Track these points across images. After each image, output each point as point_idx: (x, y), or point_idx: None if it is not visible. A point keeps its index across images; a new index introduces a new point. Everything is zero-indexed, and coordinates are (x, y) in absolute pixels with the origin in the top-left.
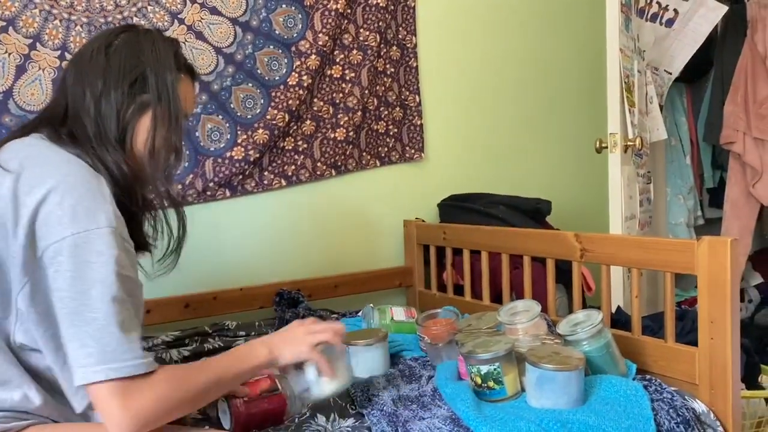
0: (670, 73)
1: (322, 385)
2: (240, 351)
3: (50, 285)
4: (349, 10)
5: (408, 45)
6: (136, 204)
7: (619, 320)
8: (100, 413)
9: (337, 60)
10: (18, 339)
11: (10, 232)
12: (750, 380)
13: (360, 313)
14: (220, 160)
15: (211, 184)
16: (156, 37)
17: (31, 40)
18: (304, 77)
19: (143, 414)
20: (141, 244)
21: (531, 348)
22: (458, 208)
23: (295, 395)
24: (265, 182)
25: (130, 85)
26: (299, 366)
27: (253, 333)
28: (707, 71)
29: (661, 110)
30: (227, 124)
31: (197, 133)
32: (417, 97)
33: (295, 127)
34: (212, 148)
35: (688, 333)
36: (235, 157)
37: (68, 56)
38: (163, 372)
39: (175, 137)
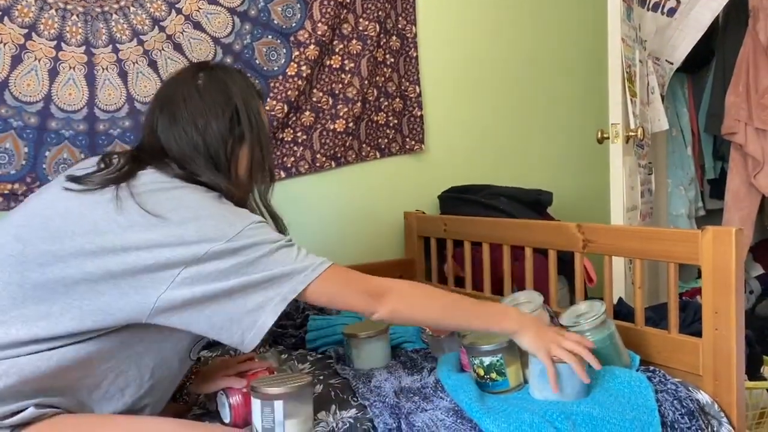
0: (672, 63)
1: (287, 428)
2: (493, 308)
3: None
4: (348, 0)
5: (408, 35)
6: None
7: (621, 311)
8: (350, 306)
9: (337, 50)
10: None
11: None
12: (752, 371)
13: None
14: None
15: None
16: (233, 72)
17: (26, 30)
18: (303, 67)
19: (393, 298)
20: None
21: None
22: (459, 199)
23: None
24: None
25: (230, 120)
26: (268, 398)
27: None
28: (709, 61)
29: (662, 100)
30: None
31: None
32: (417, 87)
33: (294, 119)
34: None
35: (690, 324)
36: None
37: (64, 46)
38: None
39: (269, 160)
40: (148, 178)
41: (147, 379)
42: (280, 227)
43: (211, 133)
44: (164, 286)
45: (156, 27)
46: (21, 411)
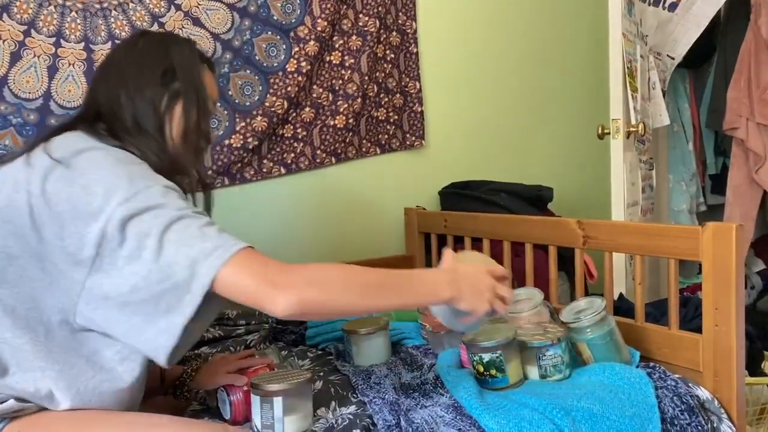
0: (673, 58)
1: (286, 425)
2: (424, 277)
3: (132, 240)
4: None
5: (408, 30)
6: (181, 185)
7: (622, 308)
8: (249, 299)
9: (337, 46)
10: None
11: (67, 214)
12: (753, 367)
13: None
14: (218, 148)
15: (209, 172)
16: (176, 37)
17: (25, 27)
18: (303, 63)
19: (300, 284)
20: None
21: None
22: (459, 195)
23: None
24: (264, 170)
25: (162, 77)
26: (268, 395)
27: (253, 322)
28: (710, 56)
29: (663, 96)
30: (225, 112)
31: None
32: (417, 83)
33: (294, 115)
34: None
35: (690, 320)
36: (234, 145)
37: (63, 43)
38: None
39: (204, 123)
40: (63, 140)
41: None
42: (209, 202)
43: (142, 91)
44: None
45: (155, 23)
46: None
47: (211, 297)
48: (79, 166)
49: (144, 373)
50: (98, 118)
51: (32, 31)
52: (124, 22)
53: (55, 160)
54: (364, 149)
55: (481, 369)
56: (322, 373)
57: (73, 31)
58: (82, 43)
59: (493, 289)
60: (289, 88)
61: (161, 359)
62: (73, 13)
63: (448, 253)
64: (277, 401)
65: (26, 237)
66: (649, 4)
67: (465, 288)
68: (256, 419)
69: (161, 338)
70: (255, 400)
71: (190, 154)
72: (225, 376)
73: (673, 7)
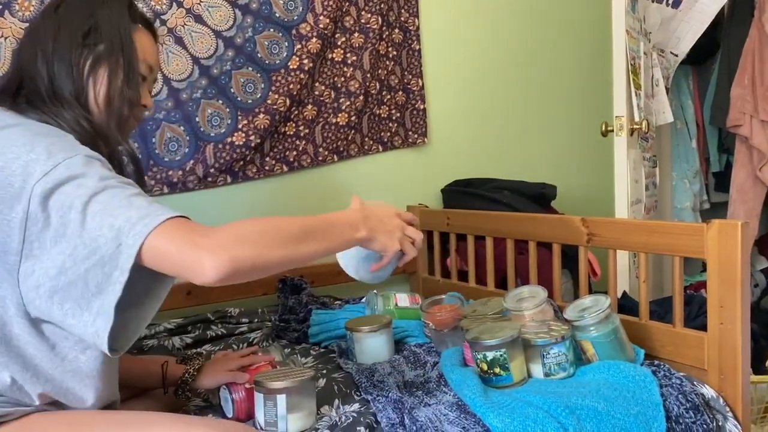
0: (676, 55)
1: (289, 422)
2: (340, 217)
3: (55, 217)
4: None
5: (410, 27)
6: (105, 153)
7: (626, 305)
8: (178, 268)
9: (339, 43)
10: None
11: None
12: (757, 365)
13: (363, 300)
14: (220, 146)
15: (212, 170)
16: None
17: (27, 24)
18: (305, 61)
19: (227, 242)
20: None
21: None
22: (462, 193)
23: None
24: (267, 168)
25: (83, 37)
26: (271, 393)
27: (256, 320)
28: (714, 53)
29: (667, 93)
30: (227, 109)
31: (197, 119)
32: (420, 80)
33: (296, 112)
34: (213, 134)
35: (695, 318)
36: (236, 143)
37: None
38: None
39: (130, 88)
40: None
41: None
42: (140, 173)
43: (58, 55)
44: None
45: (157, 20)
46: None
47: (152, 272)
48: None
49: (113, 358)
50: (20, 89)
51: (6, 12)
52: None
53: None
54: (366, 147)
55: (485, 367)
56: (325, 371)
57: None
58: None
59: (403, 230)
60: (291, 86)
61: (103, 346)
62: None
63: (356, 197)
64: (281, 399)
65: None
66: (653, 1)
67: (377, 226)
68: (260, 417)
69: (98, 322)
70: (258, 397)
71: (113, 122)
72: (227, 374)
73: (676, 4)
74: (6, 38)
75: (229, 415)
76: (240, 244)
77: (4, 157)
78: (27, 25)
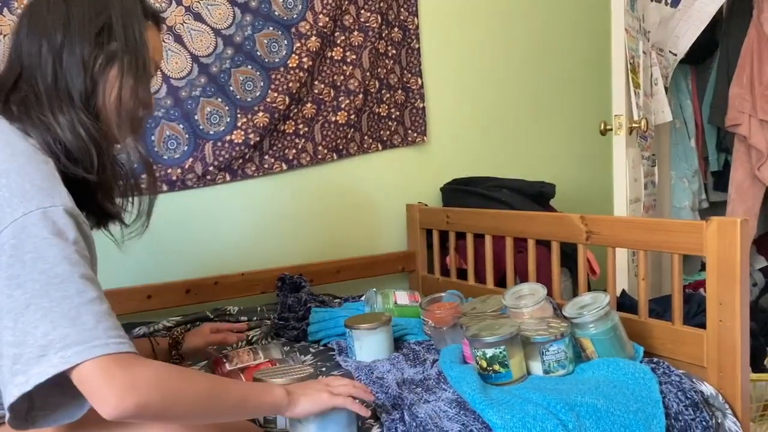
0: (675, 54)
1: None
2: (258, 385)
3: (6, 272)
4: None
5: (410, 26)
6: (103, 169)
7: (624, 303)
8: (87, 395)
9: (338, 42)
10: None
11: None
12: (756, 363)
13: (363, 298)
14: (219, 144)
15: (210, 168)
16: None
17: None
18: (305, 59)
19: (141, 385)
20: (112, 213)
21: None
22: (461, 191)
23: None
24: (266, 166)
25: (97, 35)
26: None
27: (255, 318)
28: (712, 52)
29: (665, 92)
30: (227, 107)
31: (196, 117)
32: (419, 79)
33: (295, 110)
34: (212, 132)
35: (694, 316)
36: (235, 141)
37: None
38: (159, 362)
39: (143, 88)
40: None
41: None
42: (152, 178)
43: (69, 51)
44: None
45: None
46: None
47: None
48: None
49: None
50: (17, 83)
51: (5, 9)
52: None
53: None
54: (365, 145)
55: (485, 364)
56: (324, 369)
57: None
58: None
59: (327, 385)
60: (290, 84)
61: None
62: None
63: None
64: None
65: None
66: (652, 0)
67: (297, 392)
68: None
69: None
70: None
71: (125, 125)
72: (215, 335)
73: (675, 3)
74: (5, 36)
75: None
76: (152, 391)
77: None
78: (25, 6)
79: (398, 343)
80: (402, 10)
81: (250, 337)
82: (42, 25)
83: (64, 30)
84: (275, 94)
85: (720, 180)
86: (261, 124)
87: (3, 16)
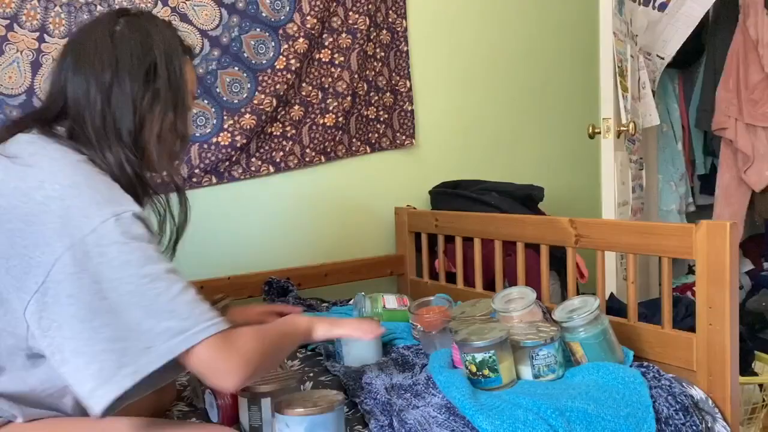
0: (663, 58)
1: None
2: (284, 319)
3: (94, 278)
4: None
5: (398, 29)
6: (142, 196)
7: (613, 307)
8: (206, 375)
9: (326, 43)
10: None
11: (18, 233)
12: (743, 367)
13: (351, 302)
14: (206, 146)
15: (197, 171)
16: (157, 21)
17: (8, 21)
18: (292, 61)
19: (250, 357)
20: None
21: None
22: (450, 194)
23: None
24: (253, 169)
25: (145, 74)
26: (255, 397)
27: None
28: (699, 57)
29: (653, 96)
30: (213, 109)
31: None
32: (408, 82)
33: (283, 113)
34: (198, 134)
35: (682, 320)
36: (222, 143)
37: (47, 38)
38: (248, 329)
39: (182, 123)
40: (17, 146)
41: None
42: (185, 209)
43: (118, 90)
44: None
45: None
46: None
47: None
48: (34, 179)
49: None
50: (60, 116)
51: (15, 25)
52: None
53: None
54: (354, 148)
55: (474, 369)
56: (311, 374)
57: (57, 26)
58: (67, 39)
59: (337, 323)
60: (277, 86)
61: (90, 411)
62: (57, 7)
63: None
64: (266, 403)
65: None
66: (639, 4)
67: (317, 320)
68: (244, 421)
69: (95, 394)
70: (243, 401)
71: (164, 158)
72: (255, 317)
73: (662, 7)
74: (21, 51)
75: (215, 421)
76: (258, 361)
77: (43, 191)
78: (66, 41)
79: (387, 347)
80: (390, 12)
81: None
82: (89, 65)
83: (113, 70)
84: (262, 96)
85: (707, 183)
86: (248, 127)
87: (15, 32)
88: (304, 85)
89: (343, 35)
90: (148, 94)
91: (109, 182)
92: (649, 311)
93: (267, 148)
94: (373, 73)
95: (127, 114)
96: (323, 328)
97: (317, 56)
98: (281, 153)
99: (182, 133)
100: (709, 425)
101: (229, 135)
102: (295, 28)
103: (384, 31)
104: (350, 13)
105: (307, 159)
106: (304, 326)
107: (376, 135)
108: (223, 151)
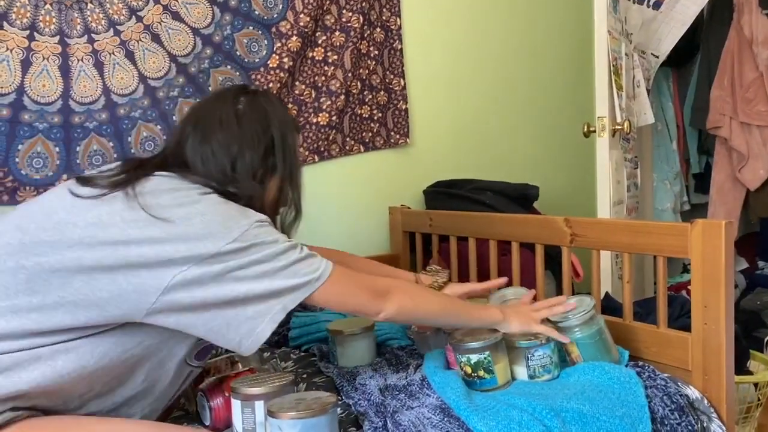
0: (657, 57)
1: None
2: (475, 305)
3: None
4: None
5: (392, 27)
6: None
7: (608, 306)
8: (354, 307)
9: (319, 42)
10: None
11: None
12: (739, 366)
13: None
14: None
15: None
16: (273, 99)
17: None
18: (285, 59)
19: (392, 284)
20: None
21: None
22: (444, 194)
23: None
24: None
25: (264, 150)
26: (248, 399)
27: None
28: (694, 55)
29: (647, 94)
30: None
31: (174, 118)
32: (402, 80)
33: None
34: None
35: (676, 319)
36: None
37: (37, 36)
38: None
39: (296, 195)
40: (160, 180)
41: (140, 382)
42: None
43: (242, 162)
44: (164, 285)
45: (133, 17)
46: None
47: None
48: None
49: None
50: (187, 170)
51: (5, 23)
52: (101, 15)
53: (157, 216)
54: (347, 147)
55: (469, 370)
56: (305, 375)
57: (47, 24)
58: (57, 37)
59: (534, 310)
60: (270, 85)
61: (239, 351)
62: (48, 5)
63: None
64: (259, 405)
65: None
66: (634, 2)
67: (511, 313)
68: (237, 424)
69: (243, 342)
70: (236, 404)
71: (273, 216)
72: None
73: (657, 6)
74: (11, 50)
75: (207, 423)
76: (406, 299)
77: (199, 209)
78: (191, 110)
79: (381, 348)
80: (384, 10)
81: None
82: (215, 137)
83: (238, 145)
84: None
85: (701, 182)
86: None
87: (5, 30)
88: (297, 83)
89: (337, 33)
90: (266, 167)
91: (235, 204)
92: (644, 310)
93: None
94: (366, 71)
95: (247, 182)
96: (518, 321)
97: (310, 54)
98: None
99: (297, 205)
100: (705, 425)
101: None
102: (288, 27)
103: (378, 29)
104: (344, 11)
105: (300, 158)
106: (495, 313)
107: (370, 134)
108: None
